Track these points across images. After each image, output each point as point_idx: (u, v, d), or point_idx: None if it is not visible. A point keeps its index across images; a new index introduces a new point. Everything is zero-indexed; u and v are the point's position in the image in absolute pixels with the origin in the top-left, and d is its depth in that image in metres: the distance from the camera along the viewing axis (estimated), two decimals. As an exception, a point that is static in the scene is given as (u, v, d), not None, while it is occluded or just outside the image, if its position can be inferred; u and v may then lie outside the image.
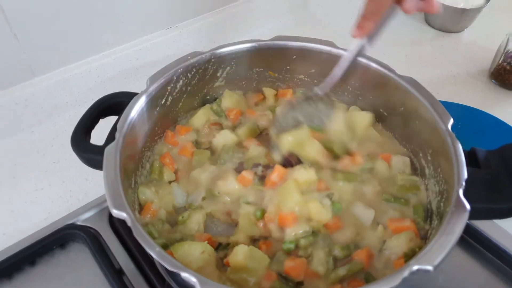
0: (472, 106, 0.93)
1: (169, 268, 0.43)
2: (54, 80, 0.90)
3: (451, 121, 0.59)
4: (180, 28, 1.03)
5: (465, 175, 0.52)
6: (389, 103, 0.72)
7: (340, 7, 1.20)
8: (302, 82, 0.80)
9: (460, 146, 0.55)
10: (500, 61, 1.01)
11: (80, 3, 0.85)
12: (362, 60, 0.69)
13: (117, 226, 0.71)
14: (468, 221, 0.68)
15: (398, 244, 0.57)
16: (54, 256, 0.69)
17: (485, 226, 0.69)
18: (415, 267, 0.43)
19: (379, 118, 0.75)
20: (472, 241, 0.68)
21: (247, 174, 0.66)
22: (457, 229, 0.46)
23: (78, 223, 0.71)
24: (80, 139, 0.60)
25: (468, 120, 0.90)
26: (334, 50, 0.72)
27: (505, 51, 1.00)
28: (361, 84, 0.74)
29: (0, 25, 0.77)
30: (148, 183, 0.67)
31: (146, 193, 0.64)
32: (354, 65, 0.64)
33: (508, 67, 1.00)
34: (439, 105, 0.62)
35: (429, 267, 0.43)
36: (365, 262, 0.57)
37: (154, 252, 0.45)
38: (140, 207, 0.63)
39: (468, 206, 0.48)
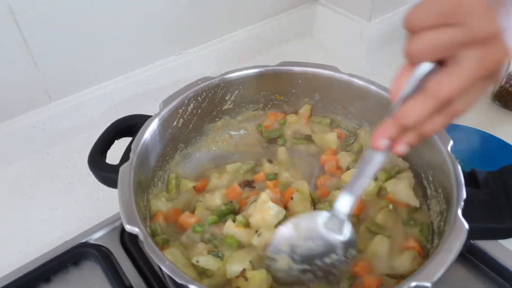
0: (475, 128, 0.95)
1: (178, 281, 0.45)
2: (69, 105, 0.94)
3: (451, 142, 0.61)
4: (189, 54, 1.07)
5: (464, 195, 0.53)
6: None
7: (342, 32, 1.24)
8: (308, 104, 0.83)
9: (459, 167, 0.57)
10: (502, 83, 1.04)
11: (96, 34, 0.89)
12: (363, 83, 0.72)
13: (128, 244, 0.73)
14: (471, 241, 0.69)
15: (401, 263, 0.58)
16: (68, 273, 0.70)
17: (489, 246, 0.70)
18: (413, 284, 0.44)
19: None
20: (476, 260, 0.69)
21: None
22: (455, 246, 0.47)
23: (91, 242, 0.73)
24: (97, 159, 0.63)
25: (471, 141, 0.91)
26: (337, 75, 0.74)
27: (507, 73, 1.02)
28: (364, 108, 0.77)
29: (23, 55, 0.82)
30: (159, 193, 0.70)
31: (158, 204, 0.67)
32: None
33: (510, 89, 1.02)
34: (439, 127, 0.64)
35: (427, 284, 0.44)
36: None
37: (164, 265, 0.47)
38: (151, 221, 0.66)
39: (466, 225, 0.50)
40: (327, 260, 0.56)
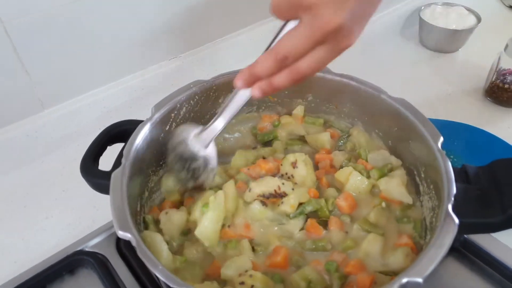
0: (468, 123, 0.95)
1: (171, 285, 0.45)
2: (63, 112, 0.94)
3: (441, 139, 0.61)
4: (182, 58, 1.08)
5: (454, 191, 0.53)
6: (384, 125, 0.74)
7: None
8: (301, 105, 0.83)
9: (449, 163, 0.57)
10: (493, 79, 1.04)
11: (87, 40, 0.90)
12: (353, 83, 0.73)
13: (124, 251, 0.73)
14: (465, 236, 0.70)
15: (395, 260, 0.59)
16: (64, 282, 0.71)
17: (483, 240, 0.70)
18: (405, 280, 0.44)
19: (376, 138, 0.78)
20: (470, 255, 0.69)
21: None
22: (446, 241, 0.48)
23: (87, 249, 0.73)
24: (89, 166, 0.63)
25: (464, 137, 0.92)
26: (328, 76, 0.75)
27: (497, 69, 1.03)
28: (355, 107, 0.77)
29: (14, 63, 0.82)
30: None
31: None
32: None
33: (501, 84, 1.03)
34: (429, 124, 0.64)
35: (419, 279, 0.44)
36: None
37: (157, 270, 0.48)
38: (146, 225, 0.66)
39: (456, 220, 0.50)
40: (193, 164, 0.67)
